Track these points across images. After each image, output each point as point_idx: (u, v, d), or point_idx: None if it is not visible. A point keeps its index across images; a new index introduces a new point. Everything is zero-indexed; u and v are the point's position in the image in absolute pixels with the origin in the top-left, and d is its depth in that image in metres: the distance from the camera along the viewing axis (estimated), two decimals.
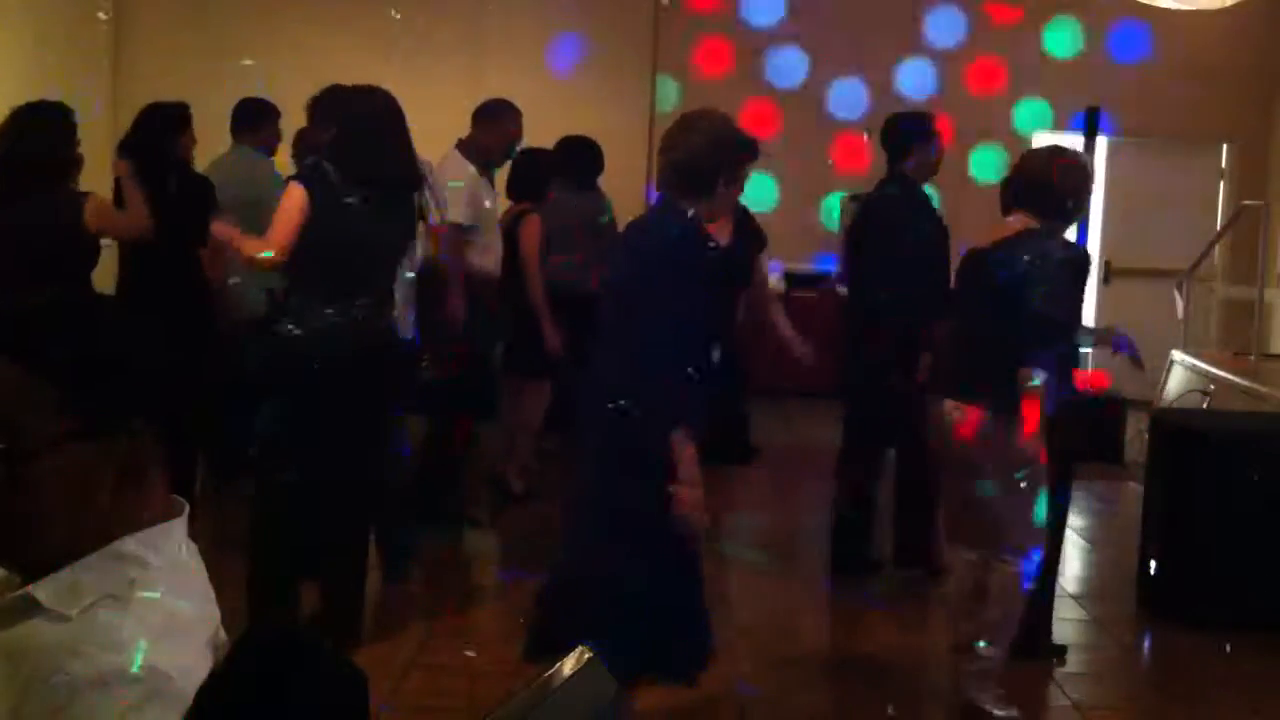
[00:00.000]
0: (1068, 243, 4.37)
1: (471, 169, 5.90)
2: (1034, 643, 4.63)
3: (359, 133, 4.38)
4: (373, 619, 4.78)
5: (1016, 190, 4.34)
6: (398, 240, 4.58)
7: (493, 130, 6.07)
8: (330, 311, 4.29)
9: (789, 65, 10.58)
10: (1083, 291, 4.31)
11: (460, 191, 5.75)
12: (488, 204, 5.98)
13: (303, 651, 1.34)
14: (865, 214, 5.86)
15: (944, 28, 10.68)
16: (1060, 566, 5.11)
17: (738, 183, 3.95)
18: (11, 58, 10.36)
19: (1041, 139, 11.11)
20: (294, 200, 4.27)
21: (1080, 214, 4.45)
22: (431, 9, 10.76)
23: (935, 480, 4.71)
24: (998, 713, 4.16)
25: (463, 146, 6.01)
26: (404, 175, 4.52)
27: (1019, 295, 4.00)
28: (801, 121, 10.36)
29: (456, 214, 5.68)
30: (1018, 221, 4.21)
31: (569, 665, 1.52)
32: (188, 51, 9.88)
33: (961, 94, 10.50)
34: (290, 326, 4.32)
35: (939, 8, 10.72)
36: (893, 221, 5.54)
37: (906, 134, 5.58)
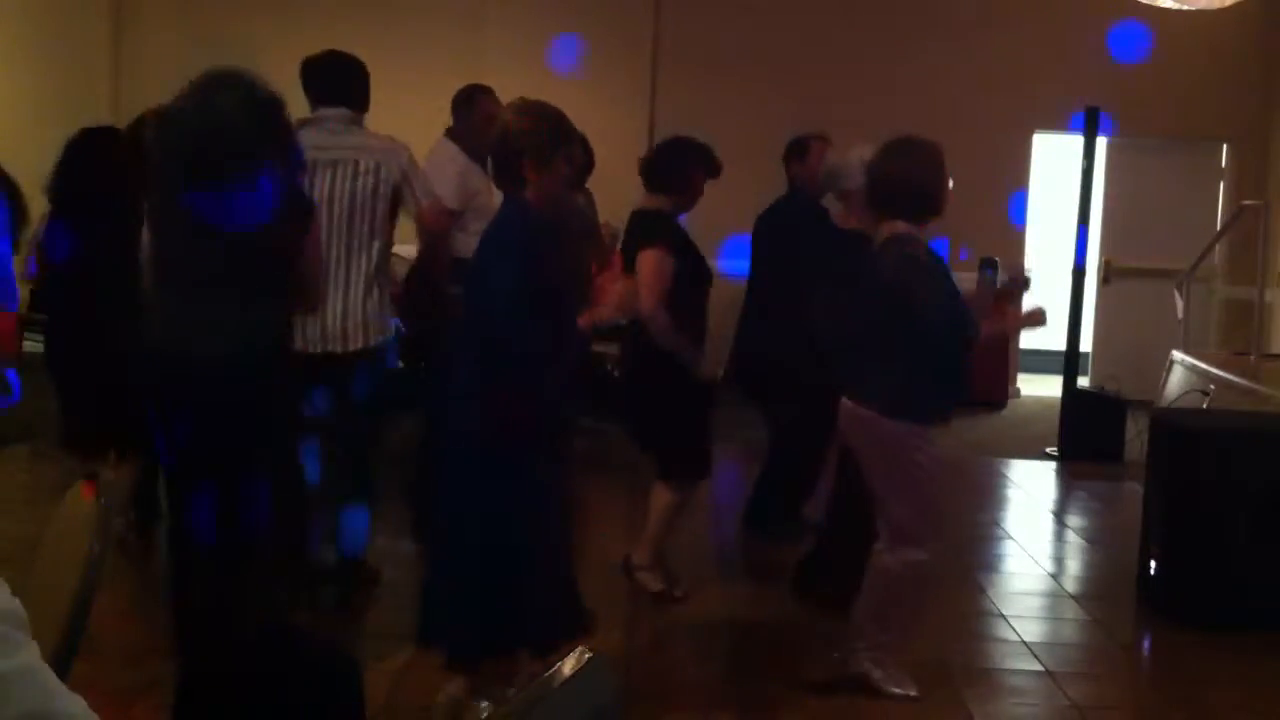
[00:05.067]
0: (921, 246, 4.27)
1: (462, 156, 5.83)
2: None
3: None
4: (373, 618, 4.78)
5: (881, 199, 4.29)
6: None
7: (470, 115, 5.97)
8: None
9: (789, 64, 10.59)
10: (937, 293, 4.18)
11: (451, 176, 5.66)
12: (481, 191, 5.82)
13: (298, 642, 1.35)
14: (757, 225, 6.27)
15: (944, 27, 10.68)
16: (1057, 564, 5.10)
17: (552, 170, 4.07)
18: (12, 59, 10.36)
19: (1042, 139, 11.12)
20: None
21: (929, 205, 4.25)
22: (432, 9, 10.76)
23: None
24: (893, 690, 4.30)
25: (450, 134, 5.99)
26: None
27: (890, 300, 4.11)
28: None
29: (448, 198, 5.53)
30: (890, 228, 4.22)
31: (569, 665, 1.53)
32: (188, 52, 9.87)
33: (962, 93, 10.51)
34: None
35: (939, 7, 10.73)
36: (777, 230, 6.09)
37: (786, 154, 6.37)
